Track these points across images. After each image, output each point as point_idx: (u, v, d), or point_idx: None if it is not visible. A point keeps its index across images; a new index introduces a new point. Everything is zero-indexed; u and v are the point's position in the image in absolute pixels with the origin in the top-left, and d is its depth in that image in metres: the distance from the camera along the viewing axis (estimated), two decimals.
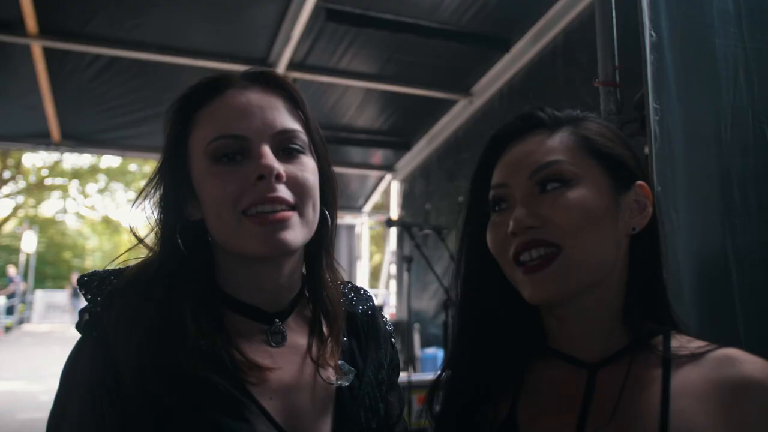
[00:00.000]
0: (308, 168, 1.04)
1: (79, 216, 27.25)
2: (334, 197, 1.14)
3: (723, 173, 1.52)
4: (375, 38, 5.05)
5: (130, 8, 4.59)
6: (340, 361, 1.09)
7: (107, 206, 26.52)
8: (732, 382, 0.89)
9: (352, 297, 1.23)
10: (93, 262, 28.04)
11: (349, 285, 1.24)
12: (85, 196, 25.83)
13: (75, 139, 6.63)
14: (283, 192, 0.99)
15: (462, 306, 1.11)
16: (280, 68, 5.07)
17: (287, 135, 1.03)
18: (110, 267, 1.07)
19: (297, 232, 1.00)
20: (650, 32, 1.49)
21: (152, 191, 1.06)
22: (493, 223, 1.03)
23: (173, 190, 1.05)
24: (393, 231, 8.30)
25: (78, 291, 1.03)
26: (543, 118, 1.04)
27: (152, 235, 1.07)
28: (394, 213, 8.12)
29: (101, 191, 25.03)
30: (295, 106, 1.08)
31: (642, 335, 1.00)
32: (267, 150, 0.99)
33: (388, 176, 8.21)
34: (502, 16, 4.84)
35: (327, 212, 1.11)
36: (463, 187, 6.10)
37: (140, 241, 1.08)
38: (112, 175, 23.85)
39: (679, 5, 1.57)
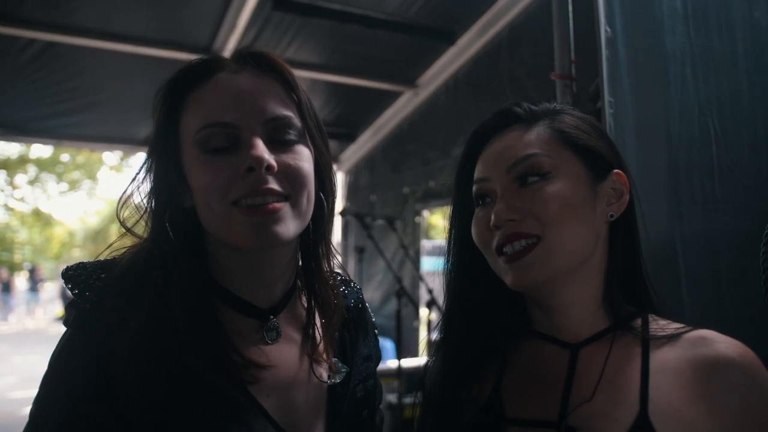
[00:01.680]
0: (302, 156, 1.01)
1: (8, 208, 26.10)
2: (332, 185, 1.11)
3: (671, 165, 1.59)
4: (322, 28, 5.00)
5: None
6: (334, 359, 1.09)
7: (38, 198, 25.47)
8: (706, 359, 0.96)
9: (344, 290, 1.22)
10: (22, 256, 26.93)
11: (339, 278, 1.23)
12: (14, 188, 24.75)
13: (4, 126, 6.32)
14: (274, 183, 0.96)
15: (449, 295, 1.14)
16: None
17: (280, 122, 0.99)
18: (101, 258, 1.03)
19: (289, 224, 0.97)
20: (605, 27, 1.54)
21: (143, 178, 1.03)
22: (477, 217, 1.07)
23: (163, 177, 1.01)
24: (338, 222, 8.28)
25: (65, 285, 0.98)
26: (519, 113, 1.08)
27: (142, 224, 1.04)
28: (339, 204, 8.10)
29: (31, 182, 24.02)
30: (289, 89, 1.03)
31: (622, 318, 1.05)
32: (257, 140, 0.95)
33: (333, 168, 8.18)
34: (448, 9, 4.87)
35: (324, 200, 1.08)
36: (408, 178, 6.15)
37: (128, 230, 1.04)
38: (43, 165, 22.90)
39: (632, 2, 1.63)
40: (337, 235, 8.52)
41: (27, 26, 4.67)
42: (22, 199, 25.54)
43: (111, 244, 1.05)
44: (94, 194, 26.70)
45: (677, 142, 1.60)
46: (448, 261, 1.15)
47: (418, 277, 5.38)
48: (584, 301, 1.05)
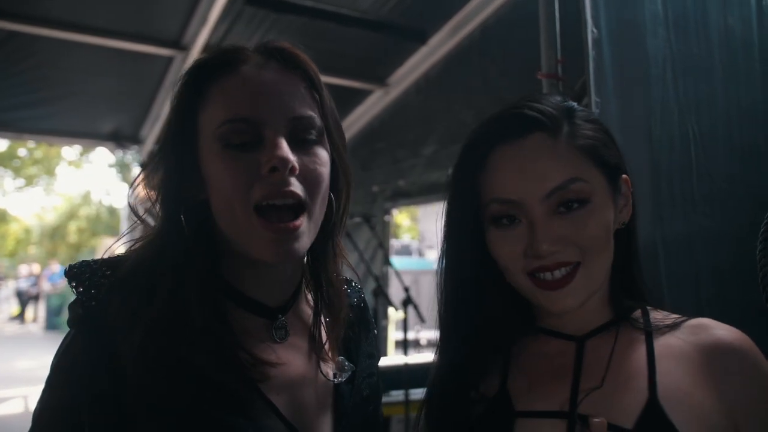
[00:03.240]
0: (322, 160, 0.99)
1: None
2: (347, 187, 1.09)
3: (653, 166, 1.62)
4: (294, 25, 4.96)
5: None
6: (340, 358, 1.09)
7: None
8: (707, 344, 1.00)
9: (346, 289, 1.20)
10: None
11: (341, 277, 1.20)
12: None
13: None
14: (296, 186, 0.94)
15: (448, 296, 1.12)
16: (195, 51, 4.90)
17: (303, 122, 0.97)
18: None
19: (305, 240, 0.97)
20: (592, 28, 1.56)
21: (154, 168, 1.00)
22: (502, 237, 1.02)
23: (178, 168, 0.98)
24: None
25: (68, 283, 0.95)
26: (540, 118, 1.01)
27: (151, 216, 1.01)
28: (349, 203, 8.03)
29: None
30: (312, 87, 1.01)
31: (624, 310, 1.09)
32: (281, 140, 0.93)
33: (350, 168, 8.11)
34: (420, 8, 4.88)
35: (334, 200, 1.06)
36: (377, 177, 6.15)
37: (139, 218, 1.02)
38: None
39: (616, 4, 1.65)
40: None
41: None
42: None
43: (118, 239, 1.02)
44: (51, 190, 26.05)
45: (658, 144, 1.63)
46: (444, 262, 1.13)
47: (388, 276, 5.38)
48: (593, 301, 1.06)
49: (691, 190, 1.65)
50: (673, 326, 1.05)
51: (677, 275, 1.59)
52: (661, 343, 1.03)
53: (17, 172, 23.34)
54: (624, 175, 1.07)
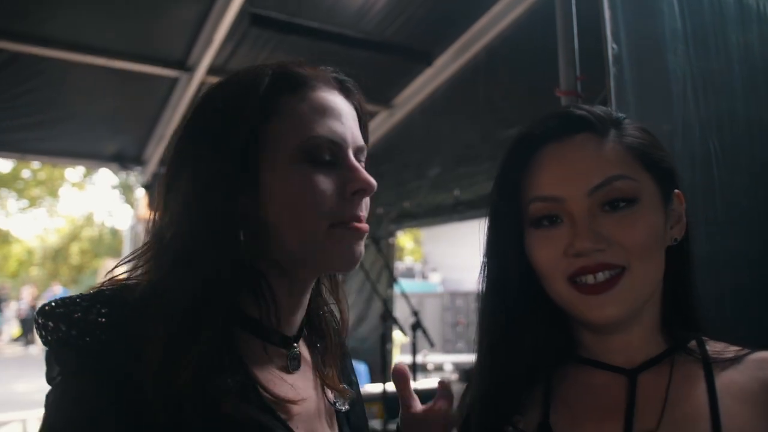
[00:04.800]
0: None
1: None
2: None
3: None
4: (298, 46, 4.96)
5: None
6: (343, 386, 1.06)
7: None
8: None
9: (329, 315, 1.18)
10: None
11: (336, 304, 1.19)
12: None
13: None
14: (366, 211, 0.98)
15: (486, 318, 1.05)
16: (200, 72, 4.90)
17: (363, 152, 1.01)
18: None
19: None
20: (612, 45, 1.53)
21: (195, 179, 0.91)
22: (543, 238, 0.96)
23: (232, 178, 0.90)
24: None
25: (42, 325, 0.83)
26: (592, 120, 0.97)
27: (171, 236, 0.90)
28: None
29: None
30: (362, 122, 1.04)
31: (678, 340, 0.99)
32: (356, 162, 0.96)
33: None
34: (425, 30, 4.89)
35: None
36: (382, 198, 6.11)
37: (157, 240, 0.93)
38: (3, 181, 22.31)
39: (636, 20, 1.62)
40: None
41: None
42: None
43: (121, 261, 0.95)
44: (54, 212, 26.05)
45: (680, 162, 1.59)
46: (483, 283, 1.06)
47: (392, 299, 5.31)
48: (643, 326, 0.98)
49: (714, 208, 1.60)
50: (735, 360, 0.94)
51: (701, 297, 1.53)
52: (722, 378, 0.93)
53: (21, 193, 23.39)
54: (677, 190, 1.01)
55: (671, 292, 1.01)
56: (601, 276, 0.91)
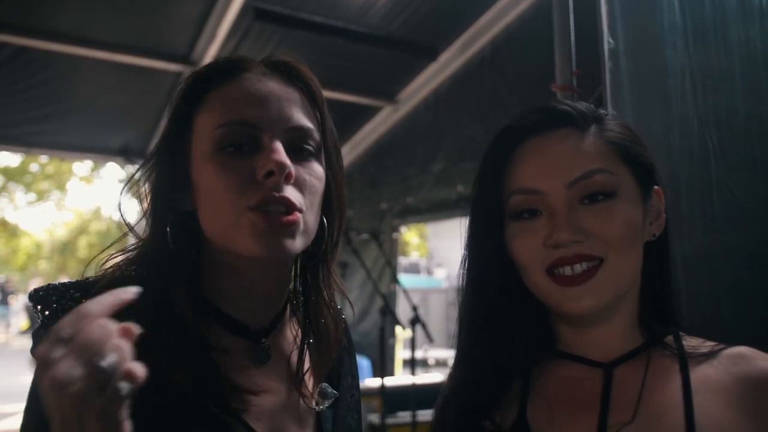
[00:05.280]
0: (317, 173, 0.97)
1: None
2: (341, 208, 1.06)
3: (672, 181, 1.56)
4: (302, 40, 4.96)
5: None
6: (323, 384, 1.04)
7: (4, 208, 24.86)
8: (749, 376, 0.91)
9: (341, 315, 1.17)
10: None
11: (334, 303, 1.16)
12: None
13: None
14: (291, 193, 0.91)
15: (468, 313, 1.06)
16: None
17: (302, 133, 0.95)
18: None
19: (299, 240, 0.93)
20: (608, 39, 1.52)
21: (147, 175, 0.96)
22: (522, 230, 0.97)
23: (169, 174, 0.95)
24: None
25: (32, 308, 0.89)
26: (573, 114, 0.98)
27: (140, 227, 0.97)
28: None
29: None
30: (313, 104, 1.00)
31: (655, 335, 1.00)
32: (279, 145, 0.90)
33: (345, 191, 8.10)
34: (430, 24, 4.87)
35: (326, 222, 1.03)
36: (385, 194, 6.11)
37: (131, 229, 0.99)
38: (11, 175, 22.41)
39: (634, 14, 1.60)
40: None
41: None
42: None
43: (109, 246, 0.99)
44: (62, 205, 26.13)
45: (678, 158, 1.58)
46: (464, 276, 1.07)
47: (395, 293, 5.31)
48: (620, 320, 0.99)
49: (711, 205, 1.59)
50: (710, 355, 0.96)
51: (697, 293, 1.52)
52: (697, 373, 0.94)
53: (29, 186, 23.48)
54: (657, 186, 1.01)
55: (649, 287, 1.02)
56: (578, 267, 0.92)
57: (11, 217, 26.42)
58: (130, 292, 0.70)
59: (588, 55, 1.65)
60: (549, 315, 1.04)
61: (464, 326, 1.06)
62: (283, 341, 1.06)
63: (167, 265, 0.92)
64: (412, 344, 4.07)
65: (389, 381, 4.16)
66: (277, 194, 0.89)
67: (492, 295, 1.03)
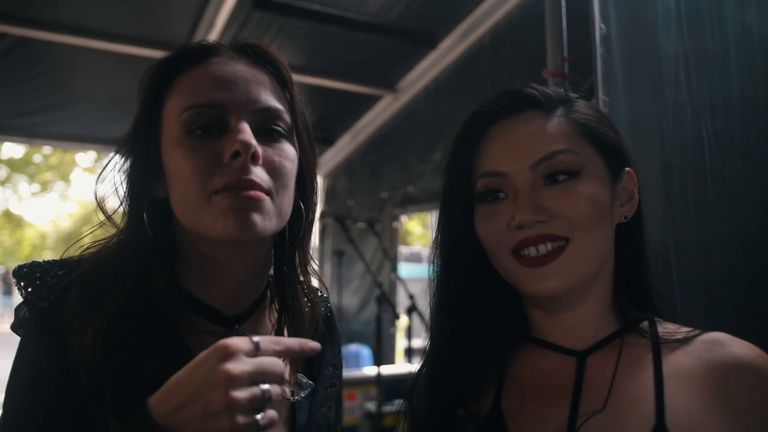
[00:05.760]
0: (287, 154, 0.96)
1: None
2: (313, 190, 1.06)
3: (665, 168, 1.55)
4: (301, 29, 4.93)
5: None
6: (299, 375, 1.03)
7: (9, 199, 24.90)
8: (722, 363, 0.90)
9: (316, 300, 1.15)
10: None
11: (312, 288, 1.16)
12: None
13: None
14: (259, 175, 0.90)
15: (439, 300, 1.06)
16: None
17: (270, 114, 0.94)
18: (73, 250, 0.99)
19: (269, 219, 0.91)
20: (600, 24, 1.50)
21: (120, 162, 0.97)
22: (488, 213, 0.98)
23: (142, 161, 0.95)
24: (316, 225, 8.19)
25: (15, 284, 0.91)
26: (538, 97, 0.98)
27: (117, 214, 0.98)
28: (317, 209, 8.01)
29: (2, 183, 23.50)
30: (283, 85, 1.00)
31: (630, 321, 0.99)
32: (245, 126, 0.89)
33: (317, 174, 8.08)
34: (430, 12, 4.83)
35: (302, 206, 1.03)
36: (386, 183, 6.10)
37: (108, 218, 0.99)
38: (15, 166, 22.43)
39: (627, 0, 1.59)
40: (314, 239, 8.44)
41: None
42: None
43: (84, 235, 1.00)
44: (66, 196, 26.22)
45: (671, 145, 1.57)
46: (436, 262, 1.07)
47: (395, 283, 5.31)
48: (592, 305, 0.98)
49: (705, 192, 1.58)
50: (684, 341, 0.95)
51: (690, 280, 1.52)
52: (670, 360, 0.93)
53: (33, 177, 23.51)
54: (628, 168, 1.01)
55: (623, 271, 1.01)
56: (543, 248, 0.92)
57: (16, 208, 26.50)
58: (316, 346, 0.79)
59: (581, 41, 1.63)
60: (522, 301, 1.04)
61: (437, 312, 1.06)
62: (260, 328, 1.06)
63: (144, 251, 0.93)
64: (409, 333, 4.07)
65: (387, 369, 4.17)
66: (244, 176, 0.88)
67: (463, 279, 1.02)
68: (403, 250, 6.27)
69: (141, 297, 0.89)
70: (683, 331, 0.97)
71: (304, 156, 1.02)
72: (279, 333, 1.05)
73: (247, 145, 0.88)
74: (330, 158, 7.49)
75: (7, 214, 25.51)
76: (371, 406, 3.90)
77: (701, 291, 1.53)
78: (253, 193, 0.89)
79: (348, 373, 4.56)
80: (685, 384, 0.90)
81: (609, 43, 1.55)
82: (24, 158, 22.30)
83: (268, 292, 1.08)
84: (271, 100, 0.96)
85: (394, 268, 5.23)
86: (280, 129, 0.96)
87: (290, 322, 1.06)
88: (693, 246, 1.55)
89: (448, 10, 4.86)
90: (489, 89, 4.67)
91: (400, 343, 7.27)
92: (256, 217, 0.89)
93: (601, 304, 0.99)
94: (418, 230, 20.02)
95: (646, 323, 1.00)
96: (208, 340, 0.94)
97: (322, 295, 1.21)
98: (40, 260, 0.93)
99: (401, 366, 5.30)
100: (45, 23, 4.61)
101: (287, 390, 1.02)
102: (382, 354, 4.31)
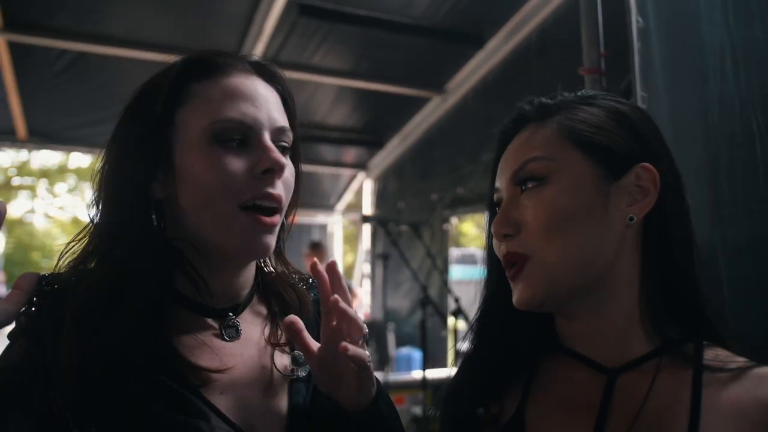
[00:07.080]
0: (292, 171, 1.03)
1: (48, 216, 26.62)
2: (296, 199, 1.11)
3: (711, 164, 1.48)
4: (348, 34, 4.97)
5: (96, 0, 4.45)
6: (295, 352, 1.06)
7: (76, 206, 25.85)
8: None
9: (302, 286, 1.20)
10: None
11: (298, 274, 1.22)
12: (54, 196, 25.22)
13: (42, 136, 6.40)
14: (280, 190, 0.97)
15: (480, 305, 1.08)
16: None
17: (283, 132, 1.01)
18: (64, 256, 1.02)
19: (275, 238, 1.00)
20: (637, 18, 1.45)
21: (115, 164, 1.00)
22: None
23: (146, 163, 0.97)
24: (366, 229, 8.22)
25: None
26: (528, 111, 1.01)
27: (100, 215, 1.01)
28: (368, 211, 8.04)
29: (70, 191, 24.44)
30: (285, 103, 1.06)
31: (669, 342, 0.91)
32: (271, 143, 0.96)
33: (361, 174, 8.12)
34: (476, 12, 4.79)
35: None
36: (435, 185, 6.07)
37: (92, 222, 1.02)
38: (82, 174, 23.28)
39: None
40: (366, 242, 8.48)
41: (58, 36, 4.71)
42: (61, 208, 26.02)
43: (69, 242, 1.03)
44: None
45: (717, 140, 1.49)
46: (484, 269, 1.10)
47: (445, 286, 5.27)
48: (615, 318, 0.92)
49: (757, 187, 1.49)
50: (734, 373, 0.85)
51: (741, 282, 1.44)
52: (711, 392, 0.84)
53: None
54: (643, 164, 0.92)
55: (656, 283, 0.93)
56: (511, 267, 0.95)
57: (83, 215, 27.44)
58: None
59: (619, 36, 1.58)
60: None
61: (478, 315, 1.08)
62: (254, 317, 1.09)
63: (143, 251, 0.96)
64: (455, 336, 4.03)
65: (433, 373, 4.13)
66: (271, 191, 0.96)
67: (497, 290, 1.04)
68: (456, 252, 6.21)
69: (130, 296, 0.92)
70: (737, 361, 0.88)
71: (297, 168, 1.08)
72: (273, 319, 1.09)
73: (281, 164, 0.95)
74: (380, 161, 7.51)
75: (75, 221, 26.46)
76: (418, 410, 3.87)
77: (755, 294, 1.45)
78: (273, 220, 0.97)
79: (397, 376, 4.54)
80: (726, 420, 0.81)
81: (647, 37, 1.49)
82: (91, 167, 23.05)
83: (258, 284, 1.12)
84: (283, 119, 1.03)
85: (444, 271, 5.18)
86: (287, 145, 1.03)
87: (279, 308, 1.10)
88: (744, 245, 1.47)
89: (494, 9, 4.80)
90: (537, 88, 4.58)
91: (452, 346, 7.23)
92: (271, 240, 0.98)
93: (625, 317, 0.92)
94: (474, 231, 19.85)
95: (691, 346, 0.91)
96: (200, 333, 1.00)
97: (312, 282, 1.23)
98: (44, 273, 0.98)
99: (450, 370, 5.25)
100: (99, 37, 4.78)
101: (288, 365, 1.06)
102: (431, 358, 4.28)
